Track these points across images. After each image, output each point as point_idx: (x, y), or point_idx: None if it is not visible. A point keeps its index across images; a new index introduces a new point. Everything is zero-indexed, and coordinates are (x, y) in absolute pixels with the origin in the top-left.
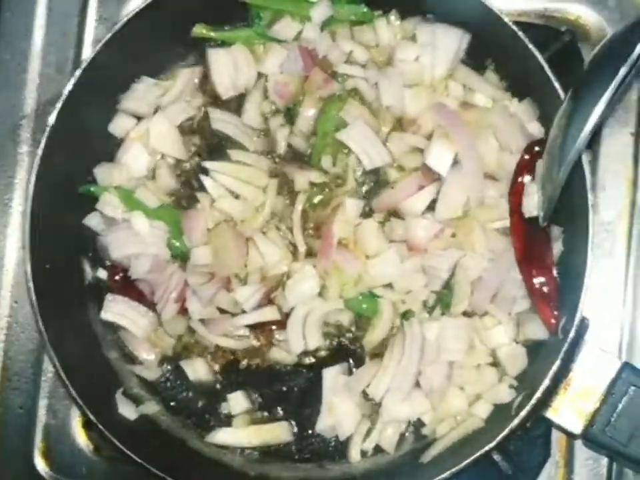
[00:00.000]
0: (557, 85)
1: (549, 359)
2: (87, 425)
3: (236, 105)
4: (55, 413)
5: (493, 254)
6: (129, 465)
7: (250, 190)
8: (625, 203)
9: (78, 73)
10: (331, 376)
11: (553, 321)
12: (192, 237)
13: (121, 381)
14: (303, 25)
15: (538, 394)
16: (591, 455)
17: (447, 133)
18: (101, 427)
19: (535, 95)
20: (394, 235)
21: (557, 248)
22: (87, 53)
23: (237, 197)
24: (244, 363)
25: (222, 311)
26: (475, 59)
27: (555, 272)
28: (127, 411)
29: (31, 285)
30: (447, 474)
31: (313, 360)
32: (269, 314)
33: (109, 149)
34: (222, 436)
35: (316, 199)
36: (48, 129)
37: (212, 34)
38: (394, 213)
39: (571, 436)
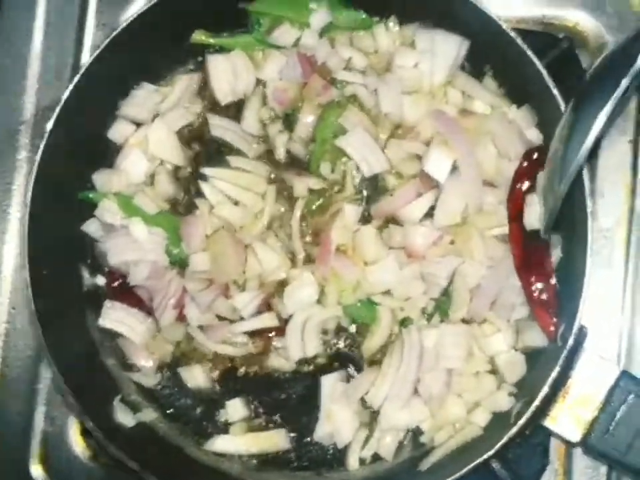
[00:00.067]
0: (555, 91)
1: (547, 366)
2: (85, 432)
3: (235, 111)
4: (53, 420)
5: (491, 261)
6: (127, 472)
7: (249, 196)
8: (624, 210)
9: (76, 78)
10: (329, 383)
11: (552, 328)
12: (190, 243)
13: (118, 387)
14: (302, 31)
15: (537, 402)
16: (590, 463)
17: (445, 140)
18: (98, 434)
19: (533, 102)
20: (392, 241)
21: (556, 255)
22: (86, 58)
23: (235, 203)
24: (242, 370)
25: (220, 318)
26: (473, 65)
27: (553, 279)
28: (125, 418)
29: (30, 291)
30: None
31: (311, 367)
32: (268, 320)
33: (108, 155)
34: (220, 443)
35: (314, 206)
36: (46, 134)
37: (211, 40)
38: (392, 220)
39: (569, 444)
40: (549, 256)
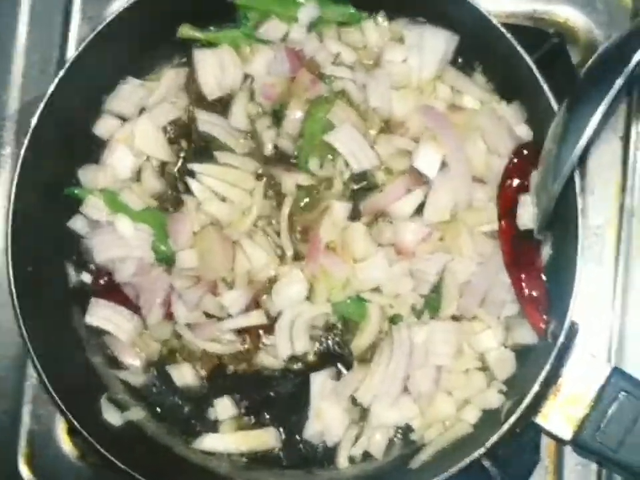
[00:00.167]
0: (545, 87)
1: (538, 363)
2: (72, 431)
3: (222, 106)
4: (39, 419)
5: (481, 257)
6: (114, 471)
7: (236, 193)
8: (614, 207)
9: (61, 72)
10: (319, 381)
11: (542, 325)
12: (177, 240)
13: (105, 386)
14: (290, 26)
15: (527, 400)
16: (580, 461)
17: (434, 136)
18: (84, 433)
19: (523, 98)
20: (382, 238)
21: (546, 252)
22: (71, 52)
23: (223, 199)
24: (231, 368)
25: (208, 315)
26: (463, 60)
27: (543, 276)
28: (112, 417)
29: (13, 288)
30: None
31: (300, 365)
32: (256, 318)
33: (94, 150)
34: (208, 442)
35: (303, 202)
36: (30, 129)
37: (198, 34)
38: (382, 216)
39: (560, 442)
40: (538, 253)
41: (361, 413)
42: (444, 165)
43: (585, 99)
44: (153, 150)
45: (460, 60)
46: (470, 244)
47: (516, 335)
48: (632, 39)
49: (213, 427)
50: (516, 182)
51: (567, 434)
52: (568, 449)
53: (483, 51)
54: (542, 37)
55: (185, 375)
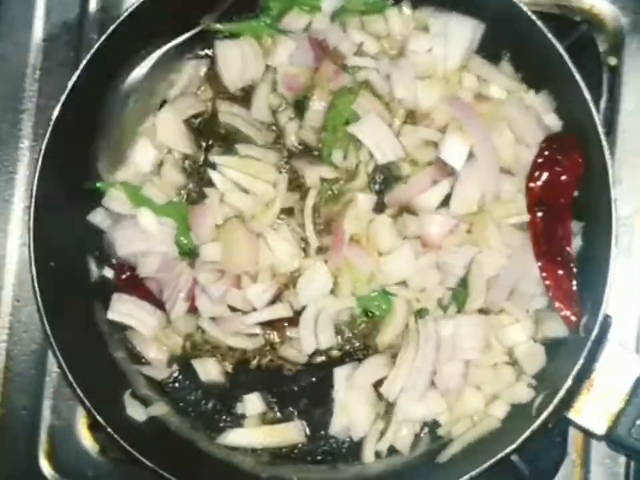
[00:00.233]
0: (577, 76)
1: (569, 357)
2: (93, 426)
3: (244, 98)
4: (60, 414)
5: (509, 250)
6: (136, 466)
7: (259, 185)
8: None
9: (81, 65)
10: (343, 375)
11: (573, 318)
12: (200, 233)
13: (128, 381)
14: (313, 16)
15: (560, 394)
16: (608, 454)
17: (461, 126)
18: (109, 429)
19: (552, 87)
20: (407, 231)
21: (576, 243)
22: (89, 44)
23: (245, 192)
24: (254, 362)
25: (232, 309)
26: (489, 49)
27: (574, 268)
28: (136, 412)
29: (36, 284)
30: (466, 477)
31: (324, 358)
32: (281, 311)
33: None
34: (233, 437)
35: (327, 194)
36: (52, 122)
37: (220, 26)
38: (407, 209)
39: (594, 437)
40: (569, 245)
41: (387, 408)
42: (470, 155)
43: None
44: (174, 142)
45: (486, 48)
46: (497, 236)
47: (546, 329)
48: None
49: (237, 421)
50: (545, 174)
51: (600, 429)
52: (595, 443)
53: (510, 39)
54: (569, 25)
55: (210, 370)
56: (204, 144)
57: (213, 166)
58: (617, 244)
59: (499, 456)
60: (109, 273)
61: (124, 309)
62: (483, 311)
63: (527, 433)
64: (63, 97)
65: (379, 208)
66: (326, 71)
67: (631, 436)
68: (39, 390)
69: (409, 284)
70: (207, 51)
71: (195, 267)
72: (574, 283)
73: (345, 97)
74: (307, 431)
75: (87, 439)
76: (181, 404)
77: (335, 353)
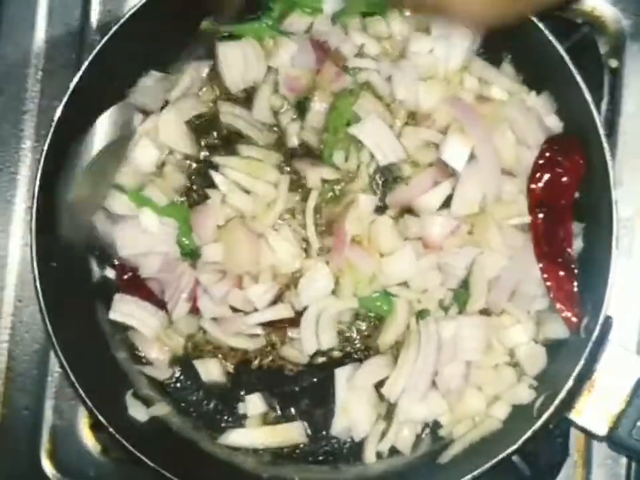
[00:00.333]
0: (578, 77)
1: (570, 358)
2: (95, 426)
3: (246, 99)
4: (62, 414)
5: (511, 251)
6: (138, 466)
7: (261, 185)
8: None
9: (83, 66)
10: (344, 375)
11: (574, 319)
12: (201, 234)
13: (130, 381)
14: (314, 17)
15: (561, 395)
16: (609, 455)
17: (462, 127)
18: (110, 429)
19: (553, 88)
20: (409, 232)
21: (577, 244)
22: (91, 46)
23: (247, 192)
24: (256, 362)
25: (234, 310)
26: (490, 51)
27: (575, 269)
28: (138, 412)
29: (38, 284)
30: (468, 477)
31: (325, 359)
32: (283, 311)
33: None
34: (234, 437)
35: (328, 195)
36: (54, 123)
37: (221, 27)
38: (408, 210)
39: (595, 438)
40: (570, 246)
41: (388, 408)
42: (472, 157)
43: None
44: (176, 143)
45: (487, 50)
46: (499, 237)
47: (547, 330)
48: None
49: (239, 421)
50: (546, 176)
51: (602, 430)
52: (596, 444)
53: (511, 40)
54: (570, 27)
55: (211, 370)
56: (205, 145)
57: (215, 167)
58: (618, 245)
59: (500, 456)
60: (110, 273)
61: (126, 310)
62: (484, 312)
63: (528, 433)
64: (65, 98)
65: (380, 209)
66: (327, 72)
67: (632, 437)
68: (41, 390)
69: (410, 285)
70: (208, 52)
71: (197, 267)
72: (575, 284)
73: (346, 98)
74: (309, 431)
75: (88, 439)
76: (183, 404)
77: (336, 353)
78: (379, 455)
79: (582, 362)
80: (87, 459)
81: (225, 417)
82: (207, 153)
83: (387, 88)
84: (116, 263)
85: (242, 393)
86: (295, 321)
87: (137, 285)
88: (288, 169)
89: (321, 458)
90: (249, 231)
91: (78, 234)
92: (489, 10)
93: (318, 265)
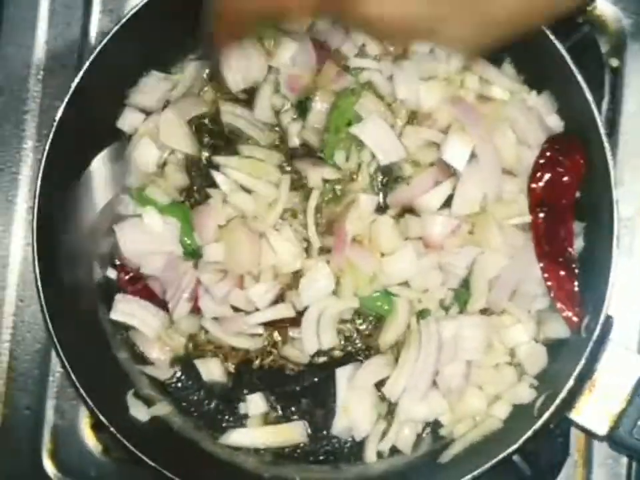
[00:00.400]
0: (579, 77)
1: (571, 357)
2: (96, 426)
3: (247, 99)
4: (63, 414)
5: (511, 250)
6: (139, 466)
7: (262, 185)
8: None
9: (85, 66)
10: (345, 375)
11: (574, 319)
12: (203, 233)
13: (131, 381)
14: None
15: (562, 394)
16: (610, 455)
17: (463, 127)
18: (111, 428)
19: (553, 88)
20: (409, 232)
21: (578, 244)
22: (92, 45)
23: (249, 192)
24: (257, 362)
25: (235, 309)
26: (491, 50)
27: (576, 268)
28: (139, 412)
29: (40, 283)
30: (468, 477)
31: (326, 359)
32: (284, 311)
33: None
34: (235, 437)
35: (329, 195)
36: (55, 123)
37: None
38: (409, 210)
39: (595, 437)
40: (571, 245)
41: (389, 408)
42: (473, 156)
43: None
44: (177, 143)
45: (489, 50)
46: (499, 237)
47: (547, 329)
48: None
49: (240, 421)
50: (547, 175)
51: (602, 429)
52: (597, 443)
53: (512, 40)
54: (571, 27)
55: (212, 370)
56: (207, 145)
57: (216, 167)
58: (619, 245)
59: (501, 456)
60: (112, 273)
61: (127, 309)
62: (484, 312)
63: (529, 433)
64: (67, 98)
65: (381, 209)
66: (328, 72)
67: (633, 436)
68: (42, 390)
69: (411, 284)
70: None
71: (198, 267)
72: (576, 283)
73: (347, 98)
74: (309, 431)
75: (90, 439)
76: (184, 404)
77: (337, 353)
78: (379, 455)
79: (582, 361)
80: (88, 458)
81: (226, 417)
82: (208, 153)
83: (388, 88)
84: (117, 262)
85: (243, 392)
86: (296, 321)
87: (138, 285)
88: (289, 168)
89: (321, 458)
90: (250, 231)
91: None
92: (481, 37)
93: (319, 264)
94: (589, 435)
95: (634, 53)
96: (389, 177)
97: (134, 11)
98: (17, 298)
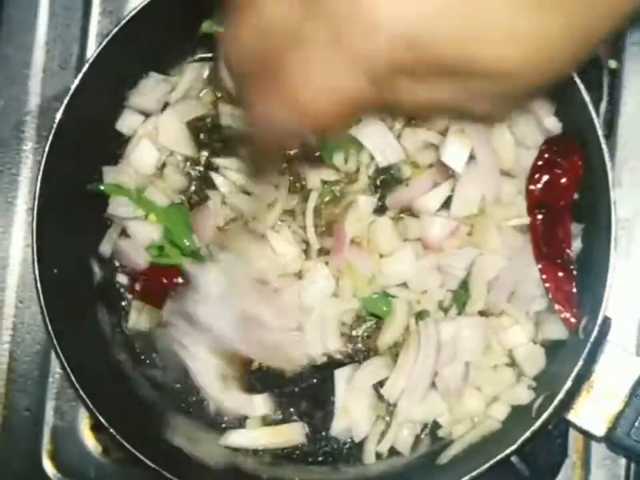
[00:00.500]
0: (577, 79)
1: (569, 359)
2: (96, 427)
3: None
4: (63, 415)
5: (510, 252)
6: (139, 467)
7: (260, 187)
8: None
9: (84, 68)
10: (344, 376)
11: (572, 320)
12: (201, 234)
13: (130, 382)
14: None
15: (560, 396)
16: (608, 456)
17: (461, 129)
18: (111, 429)
19: (552, 90)
20: (408, 233)
21: (576, 245)
22: (92, 47)
23: (248, 194)
24: (256, 364)
25: None
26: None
27: (574, 270)
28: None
29: (39, 285)
30: (466, 478)
31: (325, 360)
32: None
33: (117, 146)
34: (234, 438)
35: (328, 197)
36: (55, 125)
37: (221, 29)
38: (408, 211)
39: (593, 439)
40: (569, 247)
41: (388, 409)
42: (471, 158)
43: None
44: (176, 145)
45: None
46: (498, 238)
47: (546, 330)
48: None
49: (238, 423)
50: (545, 177)
51: (600, 431)
52: (595, 444)
53: None
54: None
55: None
56: (206, 146)
57: (215, 168)
58: (617, 246)
59: (499, 457)
60: (122, 279)
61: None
62: (483, 313)
63: (527, 434)
64: (66, 100)
65: (380, 210)
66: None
67: (631, 437)
68: (42, 391)
69: (409, 286)
70: (208, 54)
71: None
72: (574, 285)
73: None
74: (308, 432)
75: (89, 440)
76: (183, 405)
77: (337, 354)
78: (378, 456)
79: (580, 363)
80: (87, 459)
81: (225, 418)
82: (207, 155)
83: None
84: (117, 265)
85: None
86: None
87: (149, 293)
88: (288, 170)
89: (320, 459)
90: (249, 232)
91: None
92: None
93: (318, 266)
94: (587, 436)
95: (632, 55)
96: (388, 179)
97: (133, 12)
98: (17, 299)
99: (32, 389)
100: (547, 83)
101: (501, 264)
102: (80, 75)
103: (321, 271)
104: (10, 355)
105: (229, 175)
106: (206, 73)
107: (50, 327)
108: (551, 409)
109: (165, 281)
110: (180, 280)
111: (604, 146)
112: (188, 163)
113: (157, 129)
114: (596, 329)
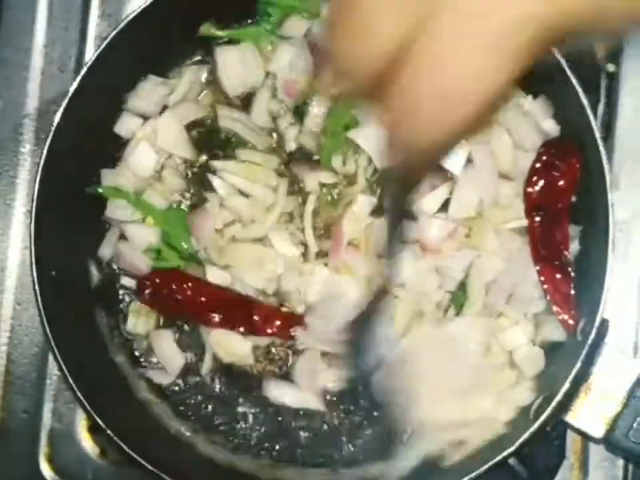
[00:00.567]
0: (574, 81)
1: (567, 360)
2: (93, 429)
3: (245, 103)
4: (60, 417)
5: (508, 254)
6: (136, 469)
7: (259, 189)
8: None
9: (83, 71)
10: None
11: (570, 322)
12: (200, 237)
13: (128, 384)
14: (313, 22)
15: (558, 397)
16: (606, 457)
17: None
18: (109, 431)
19: (549, 92)
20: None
21: (574, 247)
22: (90, 50)
23: (246, 196)
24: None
25: None
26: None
27: (572, 272)
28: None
29: (37, 286)
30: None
31: None
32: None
33: (115, 149)
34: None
35: (326, 199)
36: (53, 127)
37: (220, 32)
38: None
39: (591, 440)
40: (567, 249)
41: None
42: (469, 161)
43: None
44: (175, 147)
45: None
46: (496, 241)
47: (544, 332)
48: None
49: (238, 422)
50: (543, 179)
51: (598, 432)
52: (593, 446)
53: None
54: None
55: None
56: (204, 149)
57: (213, 171)
58: (614, 248)
59: (497, 459)
60: (129, 282)
61: None
62: (482, 315)
63: (525, 436)
64: (65, 102)
65: (378, 212)
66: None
67: (629, 439)
68: (40, 393)
69: (407, 287)
70: (207, 57)
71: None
72: (572, 287)
73: (344, 102)
74: (308, 433)
75: (87, 442)
76: (181, 407)
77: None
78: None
79: (578, 364)
80: (85, 461)
81: (224, 420)
82: (206, 157)
83: None
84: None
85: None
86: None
87: (157, 299)
88: (286, 172)
89: (320, 460)
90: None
91: None
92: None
93: (316, 268)
94: (585, 437)
95: (630, 58)
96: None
97: (132, 15)
98: (15, 301)
99: (29, 391)
100: None
101: (499, 266)
102: (78, 78)
103: (320, 273)
104: (7, 357)
105: (228, 177)
106: (204, 76)
107: (48, 329)
108: (549, 411)
109: (174, 287)
110: (190, 285)
111: (601, 148)
112: (186, 166)
113: (155, 132)
114: (594, 330)
